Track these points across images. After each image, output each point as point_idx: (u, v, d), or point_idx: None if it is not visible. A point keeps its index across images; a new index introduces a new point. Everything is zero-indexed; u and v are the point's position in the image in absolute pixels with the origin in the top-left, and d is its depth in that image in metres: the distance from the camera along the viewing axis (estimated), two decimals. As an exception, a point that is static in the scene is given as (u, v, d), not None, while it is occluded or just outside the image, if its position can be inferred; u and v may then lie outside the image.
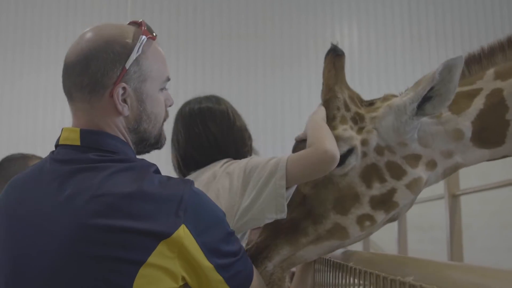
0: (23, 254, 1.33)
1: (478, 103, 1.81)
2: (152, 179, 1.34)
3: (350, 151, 1.79)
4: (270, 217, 1.74)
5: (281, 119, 8.30)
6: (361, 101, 1.94)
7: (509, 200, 7.45)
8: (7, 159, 3.00)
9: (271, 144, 8.14)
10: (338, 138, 1.81)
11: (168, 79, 1.55)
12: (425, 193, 3.90)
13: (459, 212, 3.19)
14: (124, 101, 1.43)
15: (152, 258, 1.26)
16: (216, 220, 1.41)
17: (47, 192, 1.35)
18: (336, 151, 1.72)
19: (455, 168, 1.89)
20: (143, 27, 1.48)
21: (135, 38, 1.45)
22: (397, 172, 1.79)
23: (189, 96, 2.16)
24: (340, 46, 1.98)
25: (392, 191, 1.79)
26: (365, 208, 1.76)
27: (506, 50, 1.81)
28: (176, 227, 1.29)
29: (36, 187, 1.40)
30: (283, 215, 1.74)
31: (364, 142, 1.81)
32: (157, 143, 1.57)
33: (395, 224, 4.16)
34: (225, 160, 1.98)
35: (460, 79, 1.78)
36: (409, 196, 1.81)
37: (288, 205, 1.75)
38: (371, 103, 1.93)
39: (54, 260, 1.28)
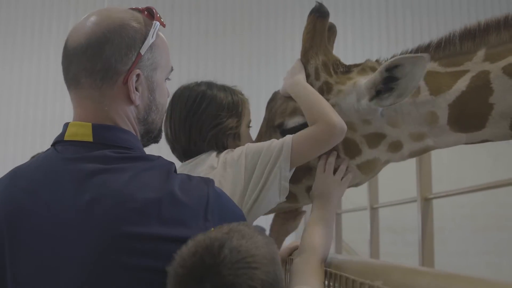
0: (39, 267, 1.20)
1: (461, 85, 1.72)
2: (175, 181, 1.26)
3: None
4: (275, 202, 1.71)
5: (257, 116, 8.29)
6: (338, 66, 1.88)
7: (481, 204, 7.56)
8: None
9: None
10: (298, 110, 1.81)
11: (172, 69, 1.49)
12: (397, 195, 3.96)
13: (431, 216, 3.20)
14: (136, 89, 1.35)
15: None
16: (238, 219, 1.34)
17: (62, 196, 1.23)
18: (343, 123, 1.70)
19: (424, 151, 1.86)
20: (156, 13, 1.40)
21: (147, 24, 1.37)
22: (352, 150, 1.79)
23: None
24: None
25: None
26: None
27: (502, 31, 1.72)
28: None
29: (49, 191, 1.25)
30: (284, 197, 1.72)
31: None
32: (157, 136, 1.50)
33: (367, 226, 4.17)
34: (215, 151, 1.87)
35: (452, 54, 1.75)
36: (359, 175, 1.82)
37: None
38: (348, 70, 1.87)
39: (79, 271, 1.17)
